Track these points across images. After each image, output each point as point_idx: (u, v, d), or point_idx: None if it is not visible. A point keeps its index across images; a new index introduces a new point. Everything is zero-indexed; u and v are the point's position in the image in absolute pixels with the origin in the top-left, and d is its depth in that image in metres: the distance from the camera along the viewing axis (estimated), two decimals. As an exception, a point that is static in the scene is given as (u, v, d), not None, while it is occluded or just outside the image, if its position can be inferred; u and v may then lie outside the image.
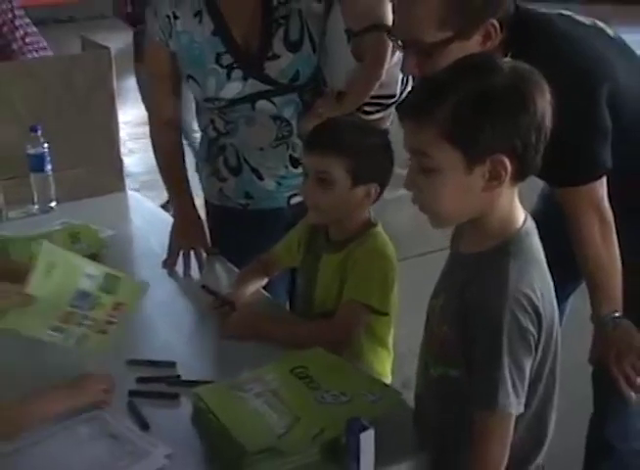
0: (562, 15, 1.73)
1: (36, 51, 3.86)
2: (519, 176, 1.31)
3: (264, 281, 2.03)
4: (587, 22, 1.76)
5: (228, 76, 2.12)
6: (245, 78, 2.12)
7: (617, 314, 1.73)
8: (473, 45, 1.58)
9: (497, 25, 1.57)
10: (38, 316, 1.59)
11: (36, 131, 2.48)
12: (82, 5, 10.16)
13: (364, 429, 1.34)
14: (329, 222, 1.84)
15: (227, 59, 2.12)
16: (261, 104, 2.15)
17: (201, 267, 2.19)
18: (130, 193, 2.83)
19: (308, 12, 2.12)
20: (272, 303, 2.04)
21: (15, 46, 3.76)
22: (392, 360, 1.91)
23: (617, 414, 1.97)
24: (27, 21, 3.97)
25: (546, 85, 1.29)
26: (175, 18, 2.12)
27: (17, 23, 3.75)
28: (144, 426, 1.52)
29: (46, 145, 2.51)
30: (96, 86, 2.66)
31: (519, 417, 1.35)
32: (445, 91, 1.26)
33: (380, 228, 1.82)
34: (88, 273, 1.58)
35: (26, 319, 1.58)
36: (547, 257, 1.39)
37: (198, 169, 2.38)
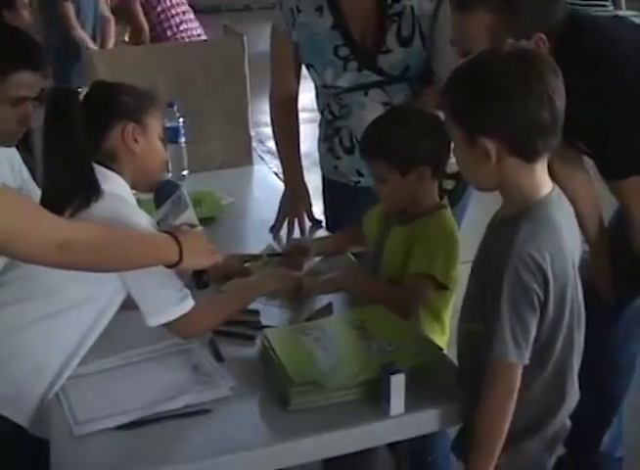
0: (616, 16, 1.81)
1: (189, 38, 4.23)
2: (523, 156, 1.43)
3: (353, 246, 2.24)
4: None
5: (344, 67, 2.33)
6: (359, 70, 2.33)
7: None
8: None
9: (544, 38, 1.68)
10: None
11: (173, 107, 2.77)
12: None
13: (395, 372, 1.52)
14: (398, 208, 2.00)
15: (344, 51, 2.32)
16: (374, 91, 2.34)
17: (302, 235, 2.41)
18: (257, 167, 3.10)
19: (420, 9, 2.28)
20: (355, 263, 2.22)
21: (169, 33, 4.14)
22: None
23: None
24: (185, 8, 4.35)
25: (547, 70, 1.40)
26: (298, 11, 2.35)
27: (173, 11, 4.14)
28: (219, 359, 1.76)
29: (181, 119, 2.80)
30: (230, 69, 2.94)
31: (533, 376, 1.47)
32: (453, 77, 1.46)
33: (448, 211, 1.97)
34: None
35: None
36: None
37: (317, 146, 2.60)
